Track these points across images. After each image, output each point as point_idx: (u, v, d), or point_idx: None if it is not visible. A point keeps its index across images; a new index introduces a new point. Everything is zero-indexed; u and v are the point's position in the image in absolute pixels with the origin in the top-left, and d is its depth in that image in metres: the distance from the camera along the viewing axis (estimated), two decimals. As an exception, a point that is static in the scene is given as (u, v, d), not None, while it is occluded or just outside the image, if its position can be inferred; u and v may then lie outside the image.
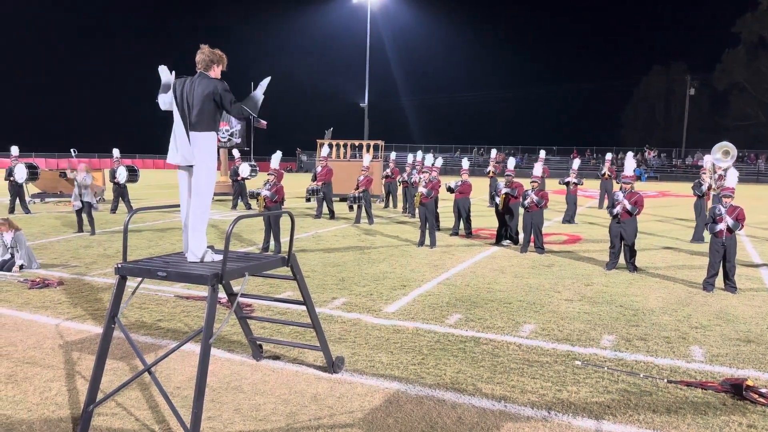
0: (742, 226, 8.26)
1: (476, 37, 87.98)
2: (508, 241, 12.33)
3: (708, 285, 8.26)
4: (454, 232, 13.46)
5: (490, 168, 20.57)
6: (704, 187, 13.54)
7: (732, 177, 8.68)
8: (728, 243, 8.15)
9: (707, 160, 13.86)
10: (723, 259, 8.20)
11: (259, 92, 4.45)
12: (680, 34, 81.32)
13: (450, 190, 13.45)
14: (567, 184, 16.48)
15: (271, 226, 11.04)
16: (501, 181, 13.09)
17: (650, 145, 58.87)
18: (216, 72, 4.41)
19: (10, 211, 16.66)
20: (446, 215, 15.23)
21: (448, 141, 64.55)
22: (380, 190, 21.47)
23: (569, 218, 16.24)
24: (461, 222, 13.42)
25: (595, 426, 4.17)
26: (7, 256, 9.04)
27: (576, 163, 17.50)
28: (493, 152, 23.26)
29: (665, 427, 4.16)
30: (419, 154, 19.14)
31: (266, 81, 4.53)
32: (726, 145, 14.31)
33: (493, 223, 13.78)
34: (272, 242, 11.10)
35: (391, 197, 20.32)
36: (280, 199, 11.23)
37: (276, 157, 12.31)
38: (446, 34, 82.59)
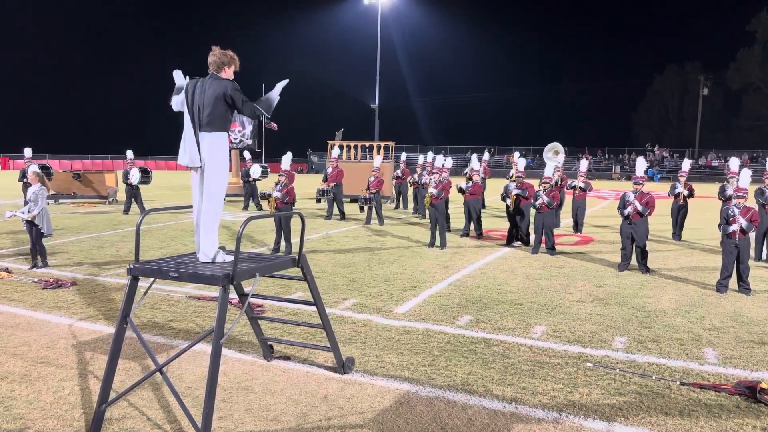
0: (756, 227, 8.20)
1: (487, 37, 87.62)
2: (518, 242, 12.29)
3: (721, 287, 8.18)
4: (465, 233, 13.44)
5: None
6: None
7: (745, 177, 8.64)
8: (741, 244, 8.07)
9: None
10: (736, 261, 8.12)
11: (274, 93, 4.52)
12: (695, 32, 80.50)
13: (461, 191, 13.43)
14: (573, 188, 14.45)
15: (282, 227, 11.08)
16: (512, 183, 13.01)
17: (653, 144, 58.61)
18: (228, 73, 4.43)
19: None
20: (457, 216, 15.21)
21: (459, 142, 64.47)
22: (391, 191, 21.47)
23: (574, 226, 14.50)
24: (472, 223, 13.40)
25: (607, 428, 4.14)
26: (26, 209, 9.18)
27: (584, 164, 15.18)
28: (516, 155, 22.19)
29: (678, 429, 4.12)
30: (430, 155, 19.11)
31: (283, 83, 4.59)
32: (556, 145, 15.78)
33: (504, 224, 13.74)
34: (283, 243, 11.13)
35: (401, 198, 20.33)
36: (291, 200, 11.27)
37: (287, 159, 12.37)
38: (457, 35, 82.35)
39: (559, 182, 14.89)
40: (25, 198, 9.27)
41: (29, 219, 9.06)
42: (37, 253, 9.34)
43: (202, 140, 4.29)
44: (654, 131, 70.03)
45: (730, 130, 66.16)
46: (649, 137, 65.75)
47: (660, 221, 15.88)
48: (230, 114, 4.41)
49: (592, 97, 78.90)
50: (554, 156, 15.92)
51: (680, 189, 12.97)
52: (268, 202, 11.31)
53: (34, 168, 9.97)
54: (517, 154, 20.20)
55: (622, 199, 9.69)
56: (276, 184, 11.27)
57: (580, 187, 14.40)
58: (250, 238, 12.87)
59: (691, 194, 13.05)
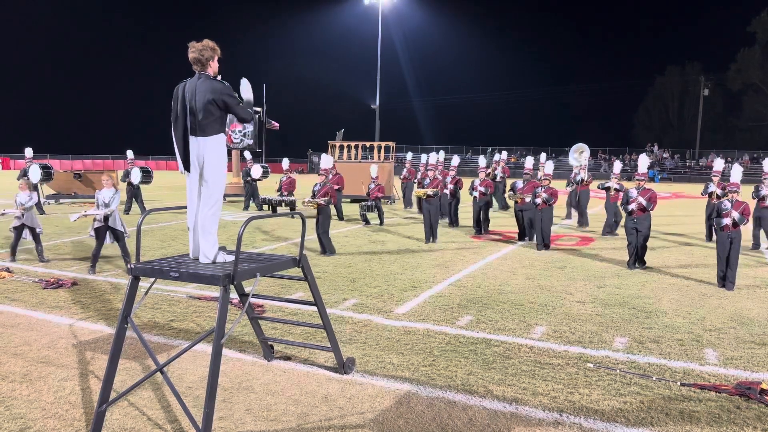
0: (748, 220, 8.45)
1: (487, 38, 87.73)
2: (526, 238, 12.60)
3: (721, 279, 8.45)
4: (478, 232, 13.62)
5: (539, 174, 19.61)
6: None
7: (737, 173, 8.93)
8: (734, 236, 8.32)
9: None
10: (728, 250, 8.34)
11: (248, 94, 4.47)
12: (695, 33, 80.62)
13: (483, 194, 13.60)
14: (607, 189, 14.09)
15: (320, 226, 10.85)
16: (519, 181, 13.22)
17: (652, 144, 58.83)
18: (213, 67, 4.33)
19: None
20: (465, 215, 15.20)
21: (459, 142, 64.55)
22: (392, 191, 21.57)
23: (610, 229, 14.03)
24: (479, 222, 13.65)
25: (607, 429, 4.14)
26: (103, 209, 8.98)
27: (617, 165, 14.98)
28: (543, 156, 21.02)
29: (678, 430, 4.12)
30: (442, 154, 19.27)
31: (248, 85, 4.53)
32: (581, 146, 16.79)
33: (507, 222, 13.78)
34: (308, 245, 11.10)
35: (404, 198, 20.49)
36: (334, 200, 11.74)
37: (326, 158, 12.75)
38: (458, 35, 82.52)
39: (585, 179, 15.43)
40: (98, 201, 9.10)
41: (106, 215, 8.89)
42: (123, 255, 9.24)
43: (198, 145, 4.23)
44: (655, 132, 70.05)
45: (731, 130, 66.17)
46: (649, 138, 65.78)
47: (661, 222, 15.88)
48: (225, 116, 4.35)
49: (593, 98, 79.05)
50: (579, 156, 16.76)
51: (713, 188, 12.75)
52: (310, 205, 11.26)
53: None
54: (543, 155, 19.53)
55: (626, 195, 9.89)
56: (315, 185, 11.23)
57: (615, 188, 14.10)
58: (251, 237, 12.84)
59: (725, 194, 12.96)
